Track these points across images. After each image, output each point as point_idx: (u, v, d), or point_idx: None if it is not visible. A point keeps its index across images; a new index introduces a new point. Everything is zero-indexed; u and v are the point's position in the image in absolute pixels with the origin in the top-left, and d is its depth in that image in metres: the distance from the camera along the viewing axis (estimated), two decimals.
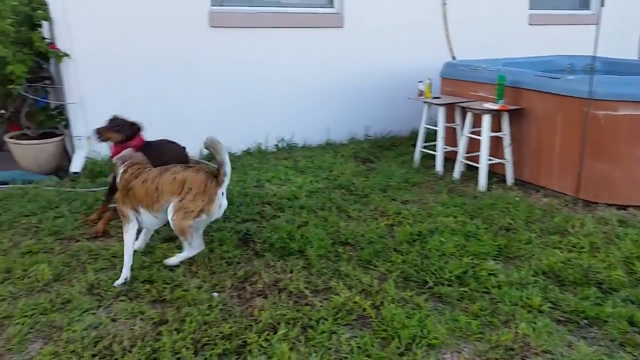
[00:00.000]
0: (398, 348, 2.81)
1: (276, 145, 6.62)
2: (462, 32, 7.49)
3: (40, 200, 4.75)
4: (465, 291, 3.39)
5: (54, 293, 3.24)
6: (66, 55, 5.38)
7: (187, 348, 2.74)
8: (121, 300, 3.19)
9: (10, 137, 5.68)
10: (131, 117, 5.75)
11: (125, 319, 3.00)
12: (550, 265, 3.70)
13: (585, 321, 3.15)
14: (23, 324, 2.91)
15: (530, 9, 8.23)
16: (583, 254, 3.91)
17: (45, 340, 2.80)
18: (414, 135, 7.05)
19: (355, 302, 3.22)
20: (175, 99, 6.04)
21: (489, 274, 3.60)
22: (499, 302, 3.30)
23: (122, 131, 4.19)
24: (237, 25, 6.25)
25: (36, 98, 5.71)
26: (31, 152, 5.56)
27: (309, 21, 6.65)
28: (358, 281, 3.47)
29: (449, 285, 3.46)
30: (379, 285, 3.43)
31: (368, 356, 2.76)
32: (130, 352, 2.69)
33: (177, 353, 2.71)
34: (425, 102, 5.92)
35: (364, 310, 3.15)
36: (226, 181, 3.47)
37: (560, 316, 3.19)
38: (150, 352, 2.70)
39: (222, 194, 3.49)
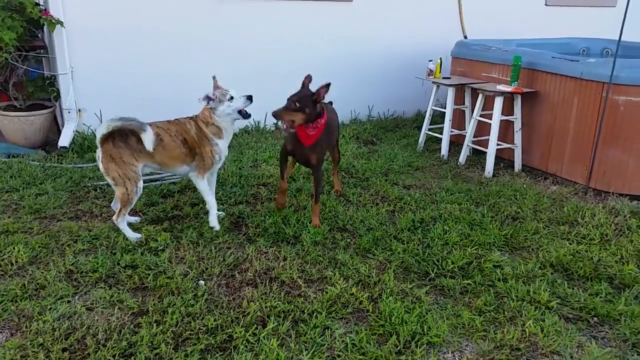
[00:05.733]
0: (396, 346, 2.60)
1: (275, 123, 6.35)
2: (476, 10, 7.15)
3: (24, 176, 4.52)
4: (468, 284, 3.18)
5: (27, 277, 3.02)
6: (59, 22, 5.09)
7: (167, 343, 2.52)
8: (100, 287, 2.97)
9: None
10: (128, 90, 5.56)
11: (103, 308, 2.79)
12: (558, 257, 3.48)
13: (595, 319, 2.94)
14: None
15: None
16: (593, 246, 3.68)
17: (12, 331, 2.59)
18: (418, 117, 6.83)
19: (352, 294, 3.00)
20: (176, 72, 5.73)
21: (494, 266, 3.38)
22: (505, 296, 3.08)
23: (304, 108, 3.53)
24: None
25: (24, 67, 5.43)
26: (18, 124, 5.31)
27: None
28: (355, 271, 3.25)
29: (452, 277, 3.24)
30: (378, 275, 3.21)
31: (363, 354, 2.55)
32: (105, 346, 2.48)
33: (155, 348, 2.49)
34: (434, 82, 5.63)
35: (361, 303, 2.94)
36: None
37: (569, 313, 2.98)
38: (126, 347, 2.49)
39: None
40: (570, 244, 3.71)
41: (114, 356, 2.42)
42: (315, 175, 3.84)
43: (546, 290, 3.11)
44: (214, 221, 3.66)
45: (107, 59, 5.43)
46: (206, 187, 3.66)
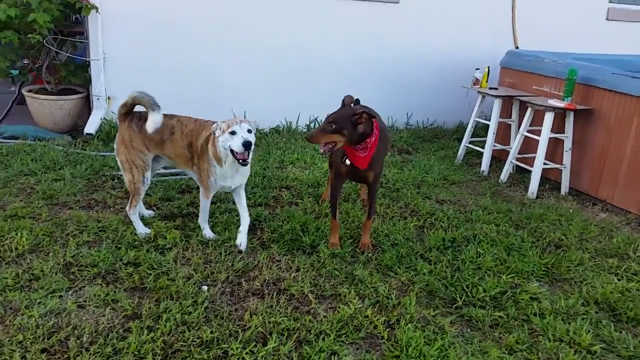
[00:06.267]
0: None
1: (307, 125, 6.11)
2: (530, 20, 6.68)
3: (45, 160, 4.42)
4: (500, 317, 2.82)
5: (24, 266, 2.86)
6: (94, 7, 5.01)
7: (155, 353, 2.29)
8: (96, 284, 2.77)
9: (29, 91, 5.38)
10: (160, 82, 5.43)
11: (95, 307, 2.58)
12: (605, 294, 3.08)
13: None
14: None
15: (610, 2, 7.32)
16: None
17: None
18: (460, 129, 6.45)
19: (366, 317, 2.70)
20: (208, 66, 5.60)
21: (531, 298, 3.01)
22: (540, 334, 2.72)
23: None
24: None
25: (58, 51, 5.37)
26: (48, 108, 5.25)
27: None
28: (373, 290, 2.95)
29: (482, 307, 2.89)
30: (398, 298, 2.90)
31: None
32: (88, 350, 2.26)
33: (142, 358, 2.26)
34: (480, 92, 5.26)
35: (375, 327, 2.63)
36: None
37: None
38: (110, 353, 2.26)
39: None
40: (619, 280, 3.30)
41: None
42: (372, 190, 3.40)
43: (589, 331, 2.73)
44: (207, 232, 3.39)
45: (141, 48, 5.32)
46: (205, 207, 3.34)
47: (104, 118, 5.27)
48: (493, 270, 3.27)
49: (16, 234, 3.13)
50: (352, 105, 3.26)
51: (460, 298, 2.94)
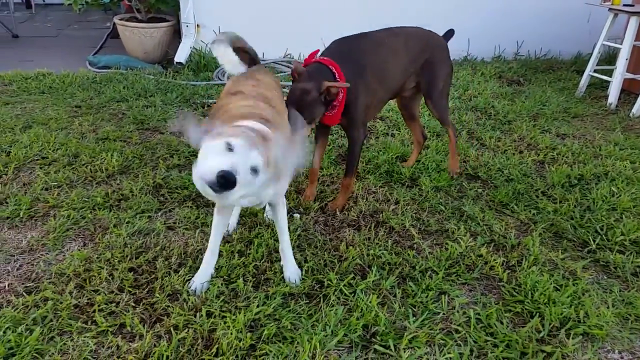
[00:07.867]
0: (538, 331, 1.93)
1: None
2: None
3: (137, 88, 4.35)
4: None
5: (114, 186, 2.75)
6: None
7: (246, 279, 2.09)
8: (186, 206, 2.61)
9: (120, 19, 5.32)
10: (249, 6, 5.13)
11: (185, 229, 2.43)
12: None
13: None
14: (68, 217, 2.45)
15: None
16: None
17: (85, 241, 2.31)
18: (578, 60, 5.71)
19: (480, 256, 2.34)
20: None
21: None
22: None
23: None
24: None
25: None
26: (137, 36, 5.17)
27: None
28: (487, 228, 2.57)
29: (621, 252, 2.43)
30: (517, 238, 2.50)
31: (491, 335, 1.91)
32: (176, 272, 2.10)
33: (231, 282, 2.07)
34: (611, 9, 4.48)
35: (492, 269, 2.27)
36: None
37: None
38: None
39: None
40: None
41: (182, 285, 2.03)
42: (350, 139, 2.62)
43: None
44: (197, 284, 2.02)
45: None
46: (215, 226, 2.02)
47: (193, 47, 5.11)
48: (632, 211, 2.75)
49: (107, 155, 3.05)
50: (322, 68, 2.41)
51: (594, 241, 2.49)
